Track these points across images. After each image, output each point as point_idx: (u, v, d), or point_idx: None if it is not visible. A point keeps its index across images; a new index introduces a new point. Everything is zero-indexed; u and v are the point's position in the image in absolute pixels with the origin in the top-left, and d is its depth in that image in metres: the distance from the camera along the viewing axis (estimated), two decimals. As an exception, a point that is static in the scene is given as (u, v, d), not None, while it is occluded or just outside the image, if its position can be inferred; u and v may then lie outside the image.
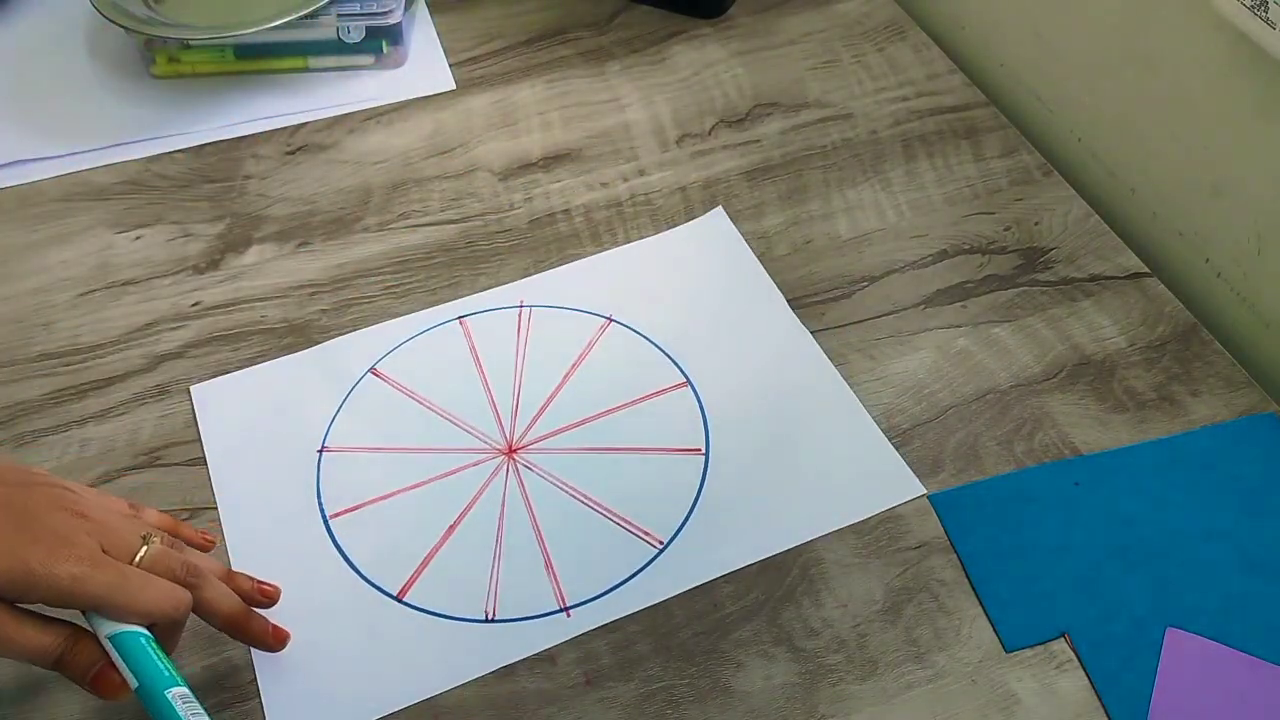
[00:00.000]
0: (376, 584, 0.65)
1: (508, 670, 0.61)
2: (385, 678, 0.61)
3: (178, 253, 0.81)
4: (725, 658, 0.62)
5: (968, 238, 0.82)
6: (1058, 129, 0.91)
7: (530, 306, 0.78)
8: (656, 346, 0.76)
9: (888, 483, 0.68)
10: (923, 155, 0.88)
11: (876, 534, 0.66)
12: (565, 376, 0.74)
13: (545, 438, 0.71)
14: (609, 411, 0.72)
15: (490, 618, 0.63)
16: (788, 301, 0.77)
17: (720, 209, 0.83)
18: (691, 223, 0.83)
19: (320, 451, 0.70)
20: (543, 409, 0.72)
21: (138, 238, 0.82)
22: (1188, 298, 0.79)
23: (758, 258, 0.80)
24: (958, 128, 0.90)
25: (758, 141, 0.89)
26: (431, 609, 0.64)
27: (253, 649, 0.61)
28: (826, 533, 0.66)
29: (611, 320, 0.77)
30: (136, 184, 0.86)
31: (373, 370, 0.74)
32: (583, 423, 0.72)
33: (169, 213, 0.84)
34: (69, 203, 0.84)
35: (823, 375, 0.74)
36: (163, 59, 0.92)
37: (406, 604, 0.64)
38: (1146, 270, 0.80)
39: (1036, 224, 0.83)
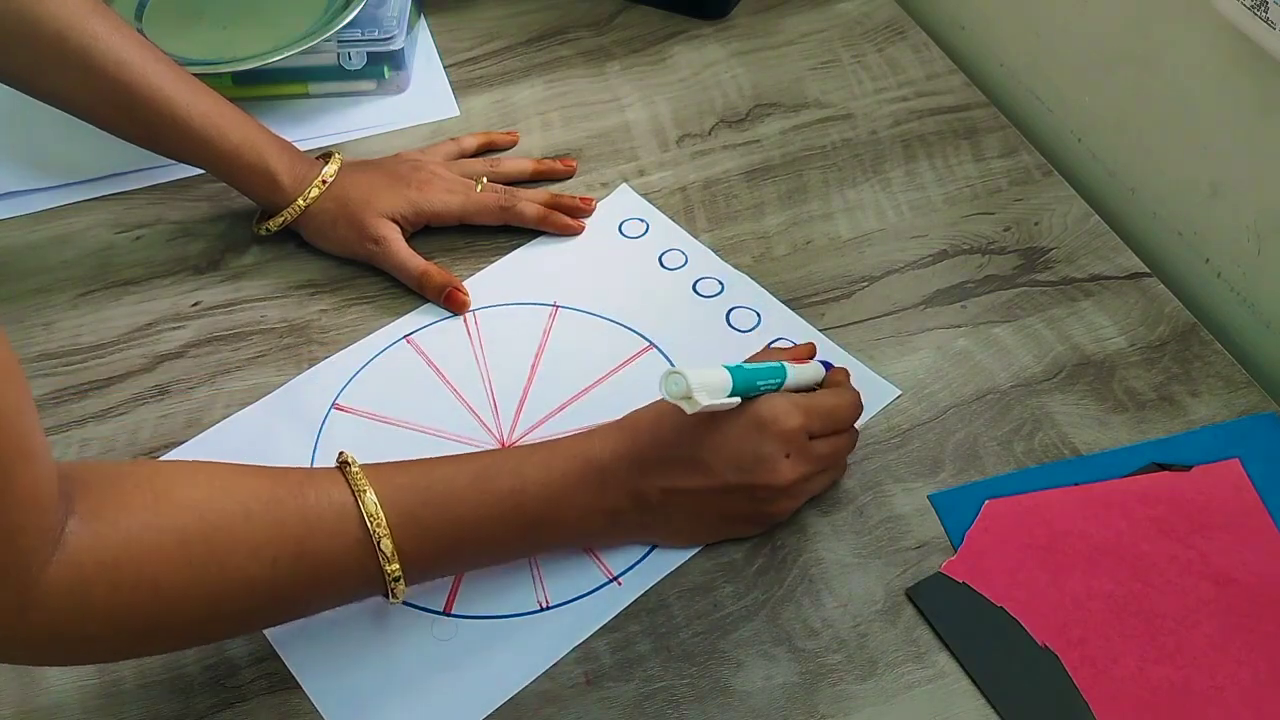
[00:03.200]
0: (419, 605, 0.64)
1: (508, 670, 0.61)
2: (461, 692, 0.61)
3: (178, 253, 0.81)
4: (725, 658, 0.62)
5: (968, 238, 0.82)
6: (1058, 129, 0.91)
7: (473, 310, 0.78)
8: (609, 320, 0.77)
9: (866, 395, 0.69)
10: (923, 155, 0.88)
11: (876, 534, 0.66)
12: (532, 368, 0.74)
13: (534, 428, 0.71)
14: (586, 390, 0.73)
15: (545, 606, 0.64)
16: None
17: (625, 185, 0.85)
18: (600, 202, 0.84)
19: None
20: (521, 403, 0.72)
21: (138, 238, 0.82)
22: (1188, 298, 0.79)
23: (674, 221, 0.82)
24: (958, 128, 0.90)
25: (758, 141, 0.89)
26: (484, 614, 0.63)
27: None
28: None
29: (558, 306, 0.78)
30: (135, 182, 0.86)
31: (335, 405, 0.72)
32: (565, 406, 0.72)
33: (169, 213, 0.84)
34: (68, 203, 0.84)
35: (770, 308, 0.77)
36: None
37: (457, 615, 0.63)
38: (1146, 270, 0.80)
39: (1036, 224, 0.83)
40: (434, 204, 0.79)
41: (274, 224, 0.79)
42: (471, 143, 0.87)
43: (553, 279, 0.79)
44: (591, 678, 0.61)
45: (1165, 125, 0.81)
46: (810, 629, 0.63)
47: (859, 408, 0.67)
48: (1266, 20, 0.66)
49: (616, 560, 0.65)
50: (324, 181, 0.77)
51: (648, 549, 0.66)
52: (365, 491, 0.55)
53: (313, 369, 0.74)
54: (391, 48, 0.89)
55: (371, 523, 0.55)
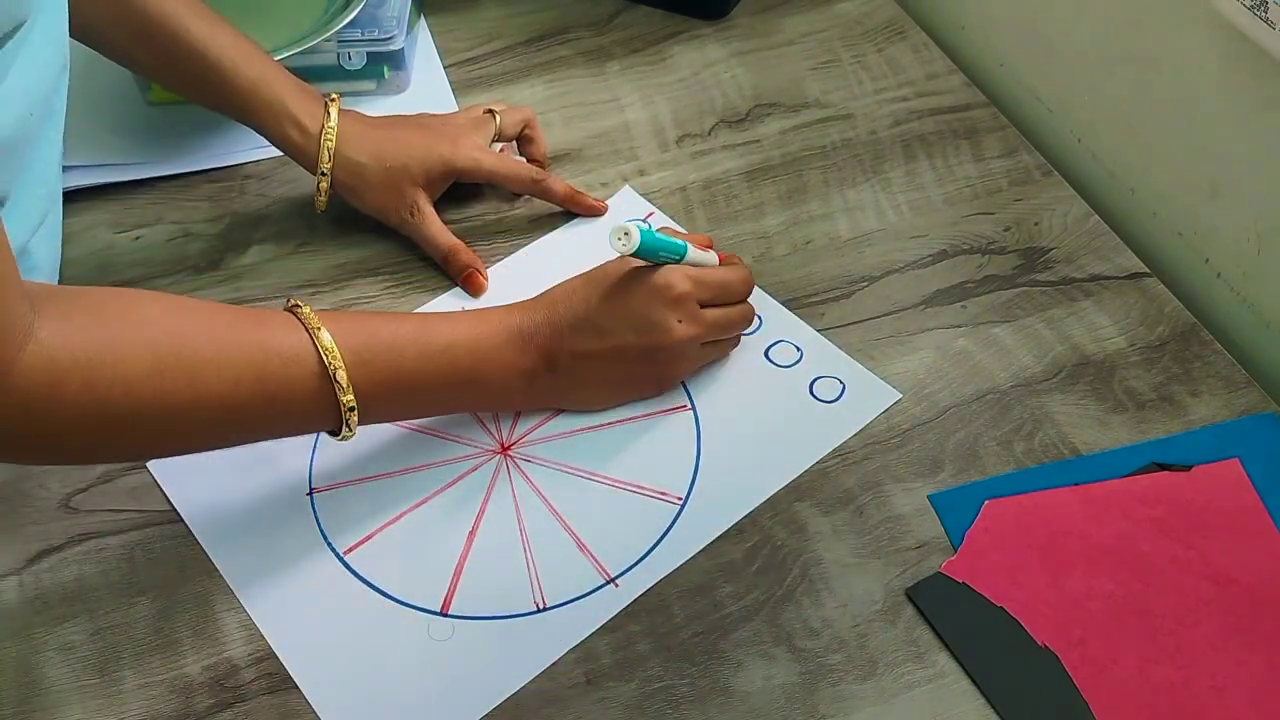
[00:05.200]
0: (416, 605, 0.64)
1: (508, 670, 0.61)
2: (458, 693, 0.61)
3: (178, 253, 0.81)
4: (725, 658, 0.62)
5: (967, 238, 0.82)
6: (1058, 129, 0.91)
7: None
8: None
9: (867, 397, 0.72)
10: (922, 155, 0.88)
11: (877, 534, 0.66)
12: None
13: (534, 429, 0.71)
14: None
15: (542, 607, 0.64)
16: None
17: (627, 186, 0.85)
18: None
19: (310, 494, 0.68)
20: None
21: (137, 238, 0.82)
22: (1188, 298, 0.79)
23: (675, 221, 0.82)
24: (958, 128, 0.90)
25: (758, 141, 0.89)
26: (481, 614, 0.64)
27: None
28: (828, 452, 0.70)
29: None
30: (136, 182, 0.86)
31: None
32: (564, 408, 0.72)
33: (169, 213, 0.84)
34: (68, 203, 0.84)
35: (770, 311, 0.77)
36: (158, 86, 0.89)
37: (453, 616, 0.64)
38: (1146, 270, 0.80)
39: (1036, 224, 0.83)
40: (464, 160, 0.79)
41: (322, 188, 0.78)
42: (513, 121, 0.84)
43: (553, 281, 0.79)
44: (591, 678, 0.61)
45: (1165, 125, 0.81)
46: (810, 629, 0.63)
47: (749, 283, 0.72)
48: (1266, 20, 0.66)
49: (614, 562, 0.65)
50: (333, 127, 0.76)
51: (645, 550, 0.66)
52: (319, 329, 0.59)
53: None
54: (391, 48, 0.89)
55: (328, 356, 0.58)
